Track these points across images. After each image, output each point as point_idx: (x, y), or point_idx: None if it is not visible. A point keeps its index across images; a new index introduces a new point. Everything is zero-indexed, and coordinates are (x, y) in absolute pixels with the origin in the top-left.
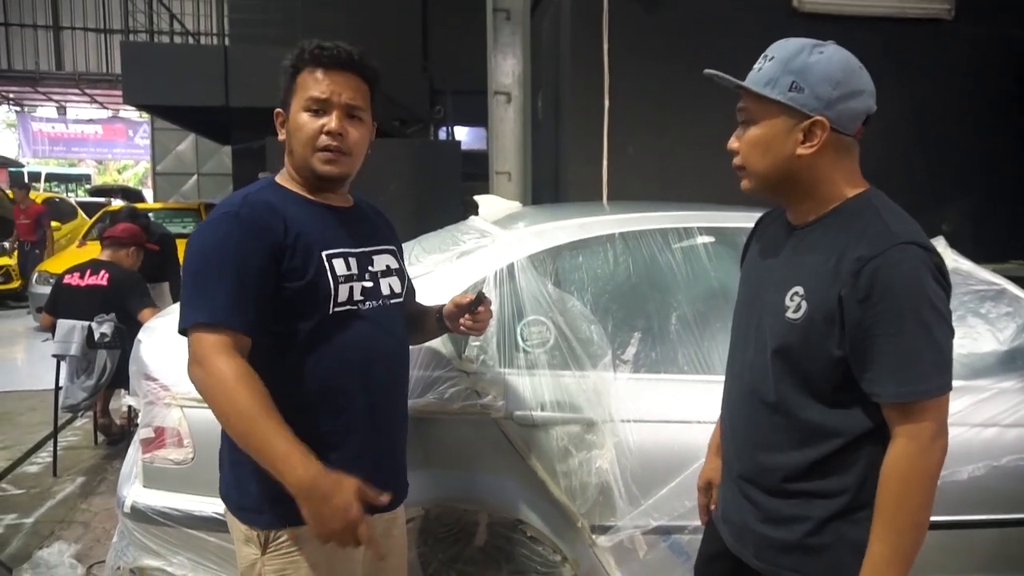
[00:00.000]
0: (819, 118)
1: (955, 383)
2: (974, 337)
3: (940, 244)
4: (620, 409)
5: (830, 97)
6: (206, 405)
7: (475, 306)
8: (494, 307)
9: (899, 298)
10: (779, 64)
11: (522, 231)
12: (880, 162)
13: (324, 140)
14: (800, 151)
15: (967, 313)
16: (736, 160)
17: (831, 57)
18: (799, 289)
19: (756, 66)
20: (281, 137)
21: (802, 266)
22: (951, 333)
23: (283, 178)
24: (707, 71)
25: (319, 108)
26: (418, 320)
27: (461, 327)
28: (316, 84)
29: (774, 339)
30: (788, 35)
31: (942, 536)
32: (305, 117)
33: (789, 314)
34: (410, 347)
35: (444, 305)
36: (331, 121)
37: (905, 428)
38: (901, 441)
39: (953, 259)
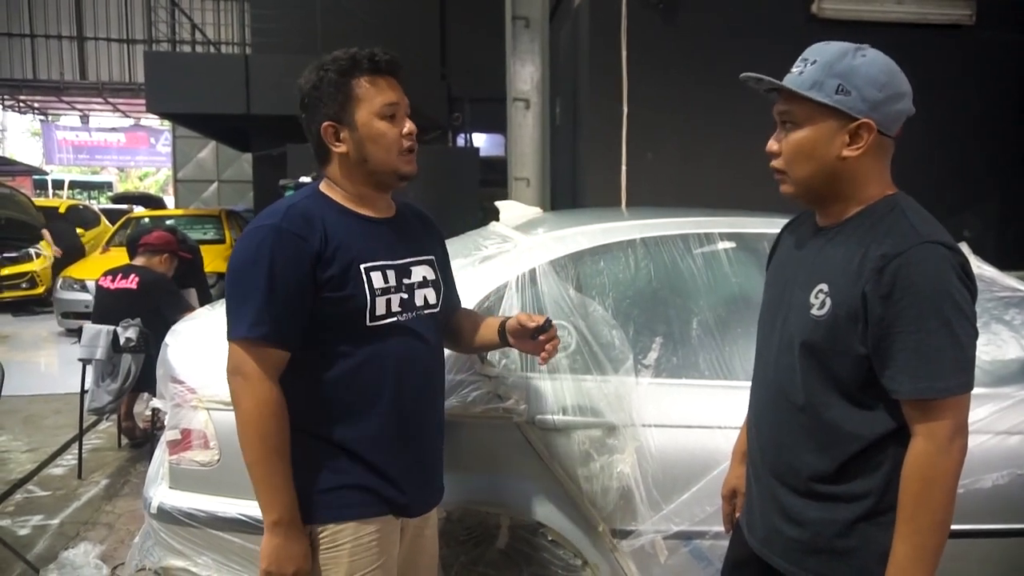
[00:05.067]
0: (866, 120)
1: (979, 390)
2: (998, 344)
3: (963, 250)
4: (641, 414)
5: (876, 99)
6: (232, 407)
7: (539, 333)
8: (515, 311)
9: (921, 295)
10: (823, 67)
11: (543, 236)
12: (902, 168)
13: (407, 143)
14: (846, 153)
15: (991, 320)
16: (777, 163)
17: (875, 60)
18: (824, 286)
19: (795, 69)
20: (340, 149)
21: (827, 264)
22: (974, 333)
23: (328, 188)
24: (744, 75)
25: (392, 114)
26: (474, 329)
27: (536, 354)
28: (382, 92)
29: (799, 336)
30: (806, 41)
31: (966, 545)
32: (384, 125)
33: (814, 311)
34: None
35: (508, 319)
36: (408, 124)
37: (923, 427)
38: (919, 440)
39: (977, 265)
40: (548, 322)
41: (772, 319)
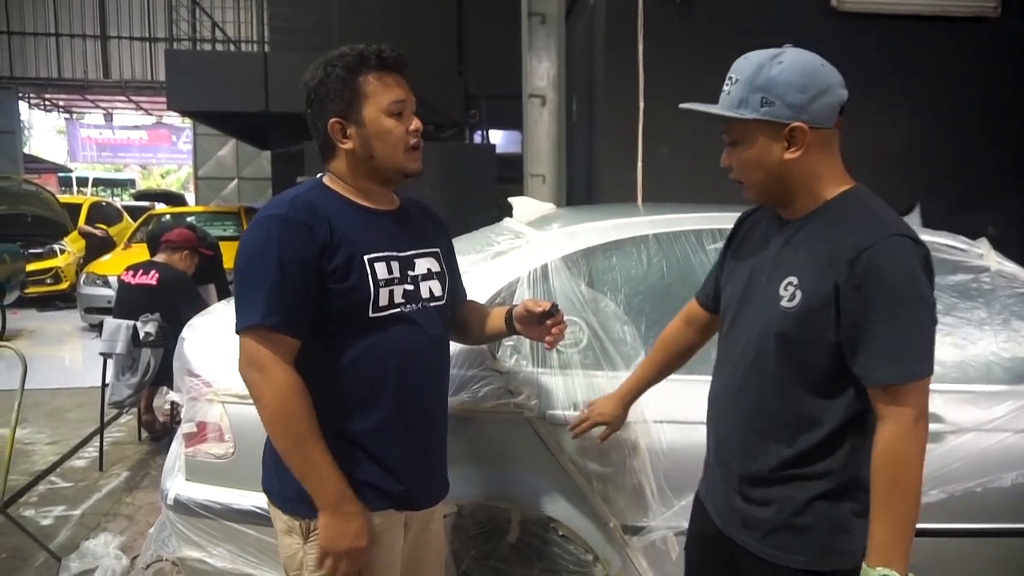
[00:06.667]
0: (797, 124)
1: (998, 388)
2: (1018, 341)
3: (984, 246)
4: (653, 410)
5: (800, 102)
6: (248, 402)
7: (546, 317)
8: None
9: (892, 286)
10: (745, 84)
11: (556, 232)
12: (926, 163)
13: (412, 140)
14: (787, 156)
15: (1011, 316)
16: (733, 175)
17: (792, 64)
18: (793, 279)
19: (724, 89)
20: (347, 146)
21: (794, 257)
22: (935, 321)
23: (331, 181)
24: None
25: (400, 111)
26: (482, 320)
27: (543, 340)
28: (390, 89)
29: (774, 327)
30: (826, 36)
31: (985, 544)
32: (391, 122)
33: (784, 303)
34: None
35: (515, 307)
36: (415, 121)
37: (891, 411)
38: (888, 424)
39: (997, 262)
40: (555, 307)
41: (737, 311)
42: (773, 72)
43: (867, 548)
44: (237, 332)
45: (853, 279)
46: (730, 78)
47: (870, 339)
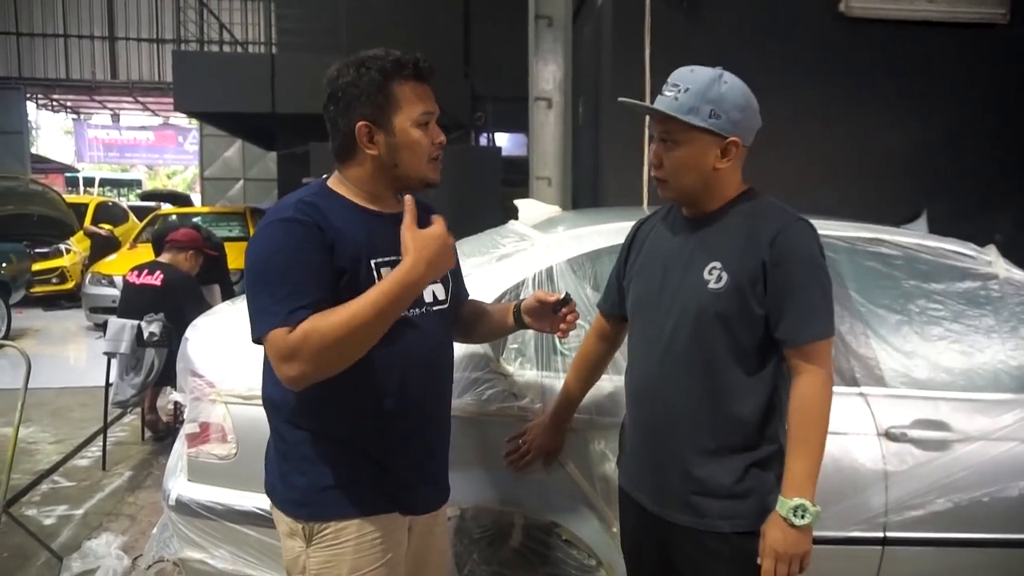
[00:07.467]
0: (734, 139)
1: (1006, 396)
2: None
3: (992, 253)
4: None
5: (739, 119)
6: (251, 403)
7: (560, 307)
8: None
9: (801, 261)
10: (697, 94)
11: (561, 235)
12: (933, 168)
13: (436, 152)
14: (719, 165)
15: (1020, 324)
16: (658, 173)
17: (735, 85)
18: (716, 264)
19: (669, 94)
20: (373, 152)
21: (714, 246)
22: (831, 286)
23: (336, 184)
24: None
25: (427, 122)
26: (486, 318)
27: (554, 330)
28: (423, 100)
29: (702, 309)
30: (833, 40)
31: (992, 555)
32: (419, 133)
33: (711, 285)
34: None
35: (523, 300)
36: (439, 133)
37: (807, 367)
38: (806, 377)
39: (1005, 269)
40: (567, 295)
41: (657, 302)
42: (723, 89)
43: (783, 484)
44: (259, 337)
45: (773, 257)
46: (676, 85)
47: (789, 307)
